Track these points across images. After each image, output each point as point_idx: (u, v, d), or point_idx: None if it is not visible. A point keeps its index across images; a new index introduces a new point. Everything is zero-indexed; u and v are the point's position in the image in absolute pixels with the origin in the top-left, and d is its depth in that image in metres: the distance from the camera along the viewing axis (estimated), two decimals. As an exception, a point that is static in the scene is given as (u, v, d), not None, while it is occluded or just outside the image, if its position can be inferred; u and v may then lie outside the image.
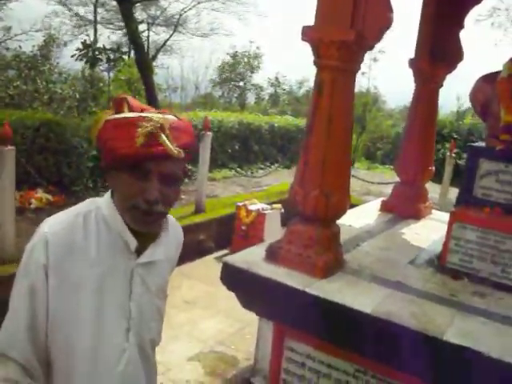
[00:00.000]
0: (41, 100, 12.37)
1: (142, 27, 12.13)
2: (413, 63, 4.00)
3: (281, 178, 10.56)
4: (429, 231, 3.83)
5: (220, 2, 14.28)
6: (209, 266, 5.50)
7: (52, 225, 1.33)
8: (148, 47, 12.11)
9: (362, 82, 17.71)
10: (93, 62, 9.96)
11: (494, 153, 2.98)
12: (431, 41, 3.87)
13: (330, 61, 2.56)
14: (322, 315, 2.48)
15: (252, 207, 6.03)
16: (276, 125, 12.81)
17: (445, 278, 2.87)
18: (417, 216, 4.14)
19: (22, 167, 6.59)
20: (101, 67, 10.91)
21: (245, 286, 2.74)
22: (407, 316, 2.33)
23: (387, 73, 29.35)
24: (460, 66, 3.99)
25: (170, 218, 1.52)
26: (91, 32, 19.16)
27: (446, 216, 4.40)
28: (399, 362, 2.32)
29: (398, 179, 4.38)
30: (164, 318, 1.54)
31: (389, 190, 8.93)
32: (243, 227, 5.86)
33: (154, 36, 15.26)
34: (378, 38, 2.58)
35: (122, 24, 16.13)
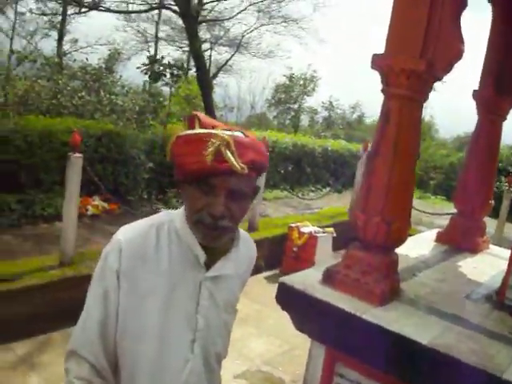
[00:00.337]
0: (102, 111, 12.80)
1: (204, 46, 12.43)
2: (477, 94, 3.96)
3: (331, 202, 10.56)
4: (486, 266, 3.75)
5: (282, 26, 14.49)
6: (259, 285, 5.55)
7: (126, 233, 1.41)
8: (209, 66, 12.38)
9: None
10: (156, 76, 10.26)
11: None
12: (497, 72, 3.82)
13: (398, 89, 2.58)
14: (377, 343, 2.47)
15: (304, 229, 6.05)
16: (329, 148, 12.87)
17: (503, 315, 2.81)
18: (474, 249, 4.05)
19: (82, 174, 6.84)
20: (161, 82, 11.19)
21: (300, 307, 2.76)
22: (466, 351, 2.29)
23: (441, 102, 29.01)
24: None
25: (244, 234, 1.57)
26: (152, 49, 19.82)
27: (503, 251, 4.33)
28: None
29: (448, 211, 4.31)
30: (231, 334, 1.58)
31: (440, 221, 8.81)
32: (294, 249, 5.89)
33: (216, 55, 15.70)
34: (448, 69, 2.59)
35: (185, 42, 16.60)
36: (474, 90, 3.96)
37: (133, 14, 15.32)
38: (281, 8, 13.51)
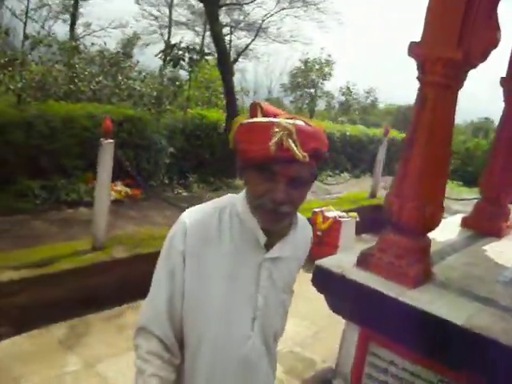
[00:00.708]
0: (120, 96, 12.86)
1: (224, 31, 12.42)
2: (504, 81, 4.00)
3: (349, 187, 10.60)
4: (511, 250, 3.82)
5: (302, 10, 14.42)
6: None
7: (191, 215, 1.48)
8: (229, 50, 12.38)
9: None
10: (176, 61, 10.30)
11: None
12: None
13: (434, 77, 2.65)
14: (412, 323, 2.57)
15: (329, 214, 6.12)
16: (348, 133, 12.85)
17: (532, 297, 2.89)
18: (498, 234, 4.12)
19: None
20: (179, 67, 11.22)
21: (336, 289, 2.86)
22: (498, 331, 2.38)
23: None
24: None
25: (301, 218, 1.63)
26: (166, 33, 19.79)
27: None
28: (487, 375, 2.38)
29: (466, 196, 4.37)
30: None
31: (457, 206, 8.82)
32: (318, 233, 5.96)
33: (236, 40, 15.69)
34: (484, 57, 2.65)
35: (202, 27, 16.56)
36: (502, 77, 4.00)
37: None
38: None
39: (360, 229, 6.55)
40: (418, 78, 2.76)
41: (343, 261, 2.99)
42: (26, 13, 21.50)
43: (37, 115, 7.86)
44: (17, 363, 3.45)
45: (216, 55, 10.93)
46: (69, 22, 20.76)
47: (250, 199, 1.44)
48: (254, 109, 1.43)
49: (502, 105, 4.12)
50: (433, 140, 2.70)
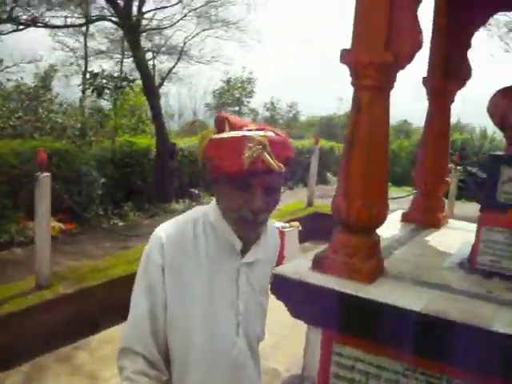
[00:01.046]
0: (42, 129, 12.54)
1: (147, 56, 12.40)
2: (426, 81, 4.25)
3: (285, 199, 10.78)
4: (450, 238, 4.02)
5: (222, 30, 14.66)
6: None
7: (165, 229, 1.51)
8: (154, 75, 12.37)
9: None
10: (100, 90, 10.18)
11: (515, 160, 3.22)
12: (443, 60, 4.12)
13: (367, 81, 2.78)
14: (373, 317, 2.66)
15: (272, 225, 6.20)
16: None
17: (478, 278, 3.07)
18: (437, 225, 4.34)
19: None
20: (102, 96, 11.09)
21: (296, 294, 2.91)
22: (456, 313, 2.52)
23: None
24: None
25: (269, 222, 1.69)
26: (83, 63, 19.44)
27: (462, 224, 4.67)
28: (449, 356, 2.49)
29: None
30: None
31: (393, 205, 9.18)
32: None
33: (159, 64, 15.68)
34: (411, 58, 2.82)
35: (123, 54, 16.44)
36: (424, 77, 4.24)
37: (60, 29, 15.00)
38: (218, 12, 13.73)
39: (302, 237, 6.69)
40: (351, 83, 2.90)
41: (300, 266, 3.05)
42: None
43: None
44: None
45: (141, 81, 10.90)
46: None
47: (227, 212, 1.48)
48: (222, 122, 1.47)
49: (418, 106, 4.36)
50: (371, 140, 2.83)
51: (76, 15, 11.94)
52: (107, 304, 4.18)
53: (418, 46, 2.77)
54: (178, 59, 13.61)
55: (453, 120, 5.31)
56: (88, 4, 12.30)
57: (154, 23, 12.33)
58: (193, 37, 13.71)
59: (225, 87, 22.17)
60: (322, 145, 14.16)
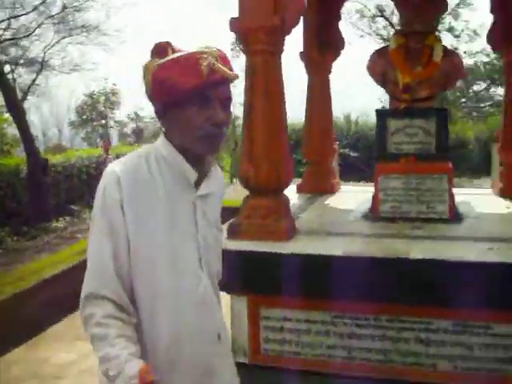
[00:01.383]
0: None
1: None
2: (304, 55, 4.41)
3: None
4: (347, 199, 4.22)
5: (83, 36, 14.04)
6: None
7: (119, 165, 1.43)
8: (15, 89, 11.58)
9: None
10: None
11: (399, 112, 3.47)
12: (317, 32, 4.31)
13: (259, 45, 2.83)
14: (298, 272, 2.71)
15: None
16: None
17: (384, 224, 3.25)
18: (331, 191, 4.53)
19: None
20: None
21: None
22: (376, 250, 2.66)
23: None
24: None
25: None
26: None
27: (353, 188, 4.94)
28: (373, 293, 2.62)
29: None
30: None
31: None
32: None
33: (19, 78, 14.64)
34: (297, 21, 2.93)
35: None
36: (301, 52, 4.40)
37: None
38: (76, 18, 13.16)
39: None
40: (242, 50, 2.94)
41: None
42: None
43: None
44: None
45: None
46: None
47: (188, 134, 1.42)
48: (164, 48, 1.45)
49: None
50: (269, 102, 2.89)
51: None
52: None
53: (302, 8, 2.89)
54: (40, 70, 12.86)
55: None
56: None
57: (9, 33, 11.58)
58: (52, 45, 13.09)
59: (87, 101, 21.37)
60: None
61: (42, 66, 12.91)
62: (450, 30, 19.17)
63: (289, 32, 2.96)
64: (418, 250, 2.62)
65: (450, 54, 3.62)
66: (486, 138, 14.67)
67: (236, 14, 2.87)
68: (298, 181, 4.69)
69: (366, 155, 14.95)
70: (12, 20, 11.78)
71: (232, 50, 17.35)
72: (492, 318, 2.56)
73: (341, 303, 2.76)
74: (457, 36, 19.57)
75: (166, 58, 1.42)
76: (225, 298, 3.14)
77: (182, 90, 1.38)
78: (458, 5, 18.61)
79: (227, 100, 1.45)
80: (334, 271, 2.66)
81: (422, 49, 3.45)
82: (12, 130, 12.73)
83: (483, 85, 20.37)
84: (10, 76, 12.25)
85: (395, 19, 19.35)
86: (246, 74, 2.95)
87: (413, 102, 3.47)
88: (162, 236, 1.42)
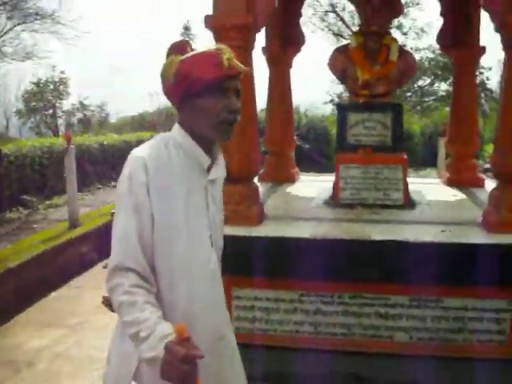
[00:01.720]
0: None
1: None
2: (266, 50, 4.61)
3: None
4: (307, 188, 4.45)
5: (37, 24, 13.66)
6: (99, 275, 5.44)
7: (144, 150, 1.58)
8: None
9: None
10: None
11: (358, 106, 3.73)
12: (279, 28, 4.51)
13: (232, 42, 2.99)
14: (269, 252, 2.93)
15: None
16: (105, 143, 12.65)
17: (344, 210, 3.52)
18: (291, 179, 4.76)
19: None
20: None
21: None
22: (340, 233, 2.91)
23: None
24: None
25: None
26: None
27: (312, 177, 5.19)
28: (338, 272, 2.87)
29: None
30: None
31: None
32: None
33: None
34: (267, 20, 3.13)
35: None
36: (263, 47, 4.59)
37: None
38: (30, 5, 12.81)
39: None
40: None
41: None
42: None
43: None
44: None
45: None
46: None
47: (206, 122, 1.58)
48: (185, 47, 1.64)
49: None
50: (242, 96, 3.07)
51: None
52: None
53: (273, 8, 3.09)
54: (-9, 58, 12.51)
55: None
56: None
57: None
58: (5, 32, 12.71)
59: (35, 89, 20.78)
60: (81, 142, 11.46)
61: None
62: (399, 27, 19.91)
63: (259, 30, 3.15)
64: (378, 232, 2.89)
65: (405, 54, 3.92)
66: (431, 132, 15.30)
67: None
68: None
69: (317, 146, 15.33)
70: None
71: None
72: (443, 292, 2.86)
73: (307, 282, 3.00)
74: (405, 33, 20.33)
75: (191, 53, 1.61)
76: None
77: (206, 81, 1.55)
78: (406, 4, 19.28)
79: (239, 91, 1.65)
80: (302, 253, 2.89)
81: (380, 48, 3.72)
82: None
83: (428, 80, 21.12)
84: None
85: (347, 15, 19.91)
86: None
87: (371, 97, 3.74)
88: (181, 215, 1.60)
